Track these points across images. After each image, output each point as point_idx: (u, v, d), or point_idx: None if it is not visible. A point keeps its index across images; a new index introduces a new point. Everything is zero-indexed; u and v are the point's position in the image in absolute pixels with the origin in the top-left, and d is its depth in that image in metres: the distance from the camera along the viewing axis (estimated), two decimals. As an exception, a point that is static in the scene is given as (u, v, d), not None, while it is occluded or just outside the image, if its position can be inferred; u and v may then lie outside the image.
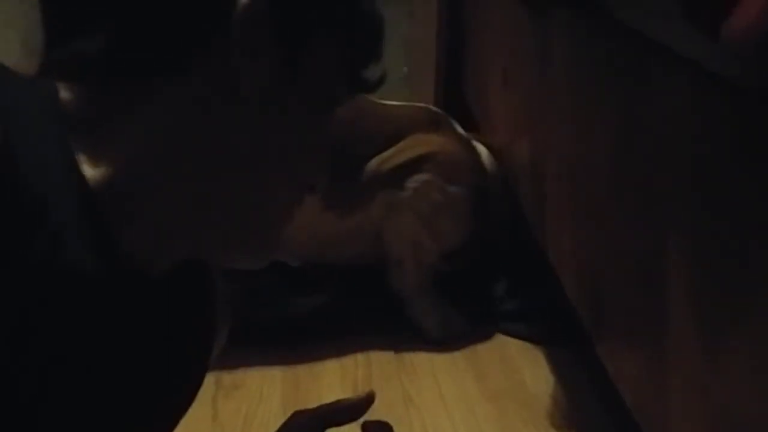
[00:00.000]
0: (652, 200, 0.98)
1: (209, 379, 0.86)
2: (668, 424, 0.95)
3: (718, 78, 0.76)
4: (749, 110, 0.73)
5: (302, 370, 1.60)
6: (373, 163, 1.73)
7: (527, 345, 1.69)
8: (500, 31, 1.87)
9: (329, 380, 1.57)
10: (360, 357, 1.66)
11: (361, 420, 0.94)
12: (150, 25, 0.66)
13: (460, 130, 1.87)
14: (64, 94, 0.67)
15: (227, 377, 1.56)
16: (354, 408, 0.95)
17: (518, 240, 1.81)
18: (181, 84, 0.67)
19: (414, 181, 1.72)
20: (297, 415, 0.94)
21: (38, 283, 0.60)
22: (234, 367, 1.59)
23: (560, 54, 1.35)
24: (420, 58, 2.48)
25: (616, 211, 1.10)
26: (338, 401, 0.96)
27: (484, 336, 1.73)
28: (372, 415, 0.98)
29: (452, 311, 1.74)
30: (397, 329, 1.75)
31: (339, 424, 0.96)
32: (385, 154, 1.74)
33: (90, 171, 0.65)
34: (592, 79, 1.20)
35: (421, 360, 1.65)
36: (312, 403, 0.95)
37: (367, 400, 0.94)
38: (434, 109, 1.94)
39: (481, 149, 1.86)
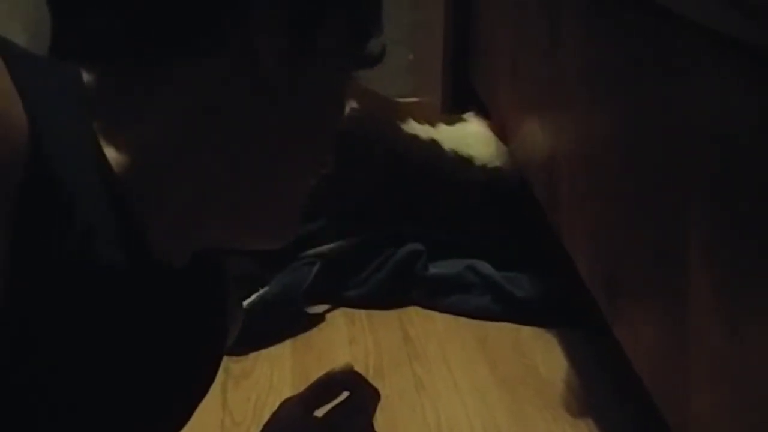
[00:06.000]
0: (671, 177, 0.96)
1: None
2: (689, 403, 0.94)
3: (742, 49, 0.75)
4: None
5: (312, 358, 1.59)
6: None
7: (539, 330, 1.67)
8: (509, 15, 1.85)
9: (339, 368, 1.55)
10: (370, 344, 1.64)
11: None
12: (164, 5, 0.64)
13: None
14: (85, 76, 0.66)
15: (236, 366, 1.54)
16: (338, 385, 0.95)
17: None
18: (200, 65, 0.65)
19: None
20: (285, 403, 0.95)
21: (68, 280, 0.59)
22: (243, 355, 1.57)
23: (571, 34, 1.34)
24: (426, 45, 2.46)
25: (633, 189, 1.09)
26: (319, 380, 0.96)
27: (496, 322, 1.72)
28: (384, 402, 0.98)
29: None
30: (408, 316, 1.74)
31: (327, 402, 0.96)
32: None
33: (113, 156, 0.64)
34: (604, 58, 1.19)
35: (433, 346, 1.64)
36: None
37: (347, 372, 0.95)
38: None
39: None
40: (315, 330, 1.68)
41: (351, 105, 1.84)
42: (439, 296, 1.76)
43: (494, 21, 2.04)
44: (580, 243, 1.35)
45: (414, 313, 1.75)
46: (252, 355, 1.58)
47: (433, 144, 1.91)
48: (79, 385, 0.64)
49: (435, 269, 1.79)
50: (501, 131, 1.94)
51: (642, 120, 1.05)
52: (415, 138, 1.90)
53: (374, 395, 0.96)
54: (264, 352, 1.60)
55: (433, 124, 1.94)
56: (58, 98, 0.63)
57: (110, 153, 0.64)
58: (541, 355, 1.59)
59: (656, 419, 1.02)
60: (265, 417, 1.35)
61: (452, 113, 2.16)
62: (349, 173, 1.82)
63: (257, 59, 0.66)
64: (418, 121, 1.92)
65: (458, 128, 1.97)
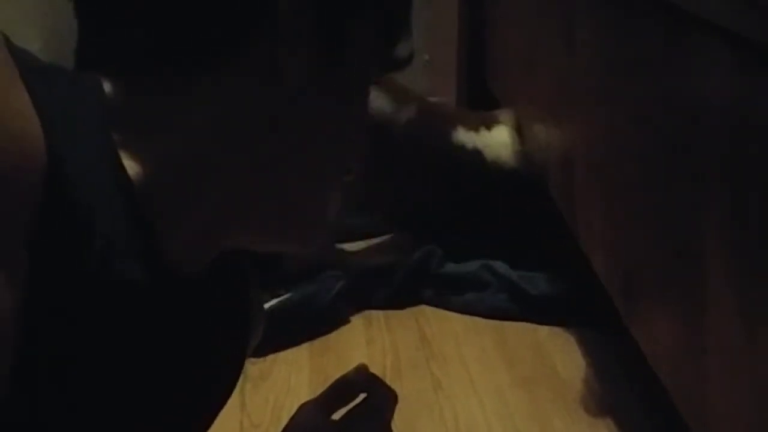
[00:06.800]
0: (688, 175, 0.96)
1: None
2: (707, 402, 0.93)
3: (757, 48, 0.74)
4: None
5: (329, 360, 1.59)
6: None
7: (557, 330, 1.66)
8: (523, 15, 1.84)
9: (357, 370, 1.55)
10: (387, 345, 1.64)
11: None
12: (190, 16, 0.64)
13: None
14: (107, 87, 0.65)
15: (254, 368, 1.55)
16: (354, 387, 0.95)
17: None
18: (225, 76, 0.65)
19: None
20: (302, 407, 0.95)
21: (87, 297, 0.59)
22: (261, 357, 1.58)
23: (586, 34, 1.33)
24: (441, 46, 2.45)
25: (650, 187, 1.08)
26: (336, 383, 0.96)
27: (513, 322, 1.72)
28: (402, 403, 0.97)
29: None
30: (425, 317, 1.73)
31: (344, 405, 0.96)
32: None
33: (134, 169, 0.64)
34: (619, 57, 1.18)
35: (450, 347, 1.63)
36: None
37: (363, 373, 0.95)
38: None
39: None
40: (332, 331, 1.69)
41: (410, 112, 1.87)
42: (454, 295, 1.76)
43: (508, 20, 2.04)
44: (597, 242, 1.34)
45: (431, 313, 1.75)
46: (270, 357, 1.59)
47: (477, 155, 1.90)
48: (102, 396, 0.64)
49: (450, 269, 1.79)
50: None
51: (658, 118, 1.04)
52: (461, 148, 1.90)
53: (391, 397, 0.95)
54: (282, 354, 1.60)
55: (476, 129, 1.93)
56: (78, 112, 0.62)
57: (130, 166, 0.64)
58: (559, 355, 1.59)
59: (675, 419, 1.02)
60: (283, 419, 1.36)
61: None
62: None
63: (283, 69, 0.66)
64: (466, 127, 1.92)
65: (498, 134, 1.94)
